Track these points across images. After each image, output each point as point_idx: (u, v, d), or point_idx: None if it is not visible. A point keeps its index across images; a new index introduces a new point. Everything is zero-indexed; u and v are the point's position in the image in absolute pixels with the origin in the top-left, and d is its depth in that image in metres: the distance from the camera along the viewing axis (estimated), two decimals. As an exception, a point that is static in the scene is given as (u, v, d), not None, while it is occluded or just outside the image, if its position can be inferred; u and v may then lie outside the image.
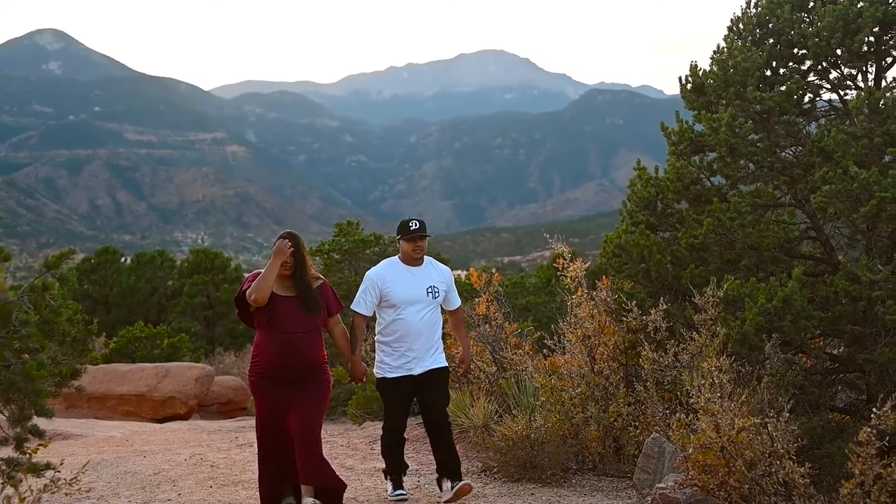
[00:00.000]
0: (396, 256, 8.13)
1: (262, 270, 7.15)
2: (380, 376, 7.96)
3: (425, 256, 8.11)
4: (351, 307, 7.99)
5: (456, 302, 8.32)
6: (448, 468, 7.86)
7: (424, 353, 7.85)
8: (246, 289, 7.13)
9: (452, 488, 7.73)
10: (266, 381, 7.15)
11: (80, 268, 36.32)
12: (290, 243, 7.19)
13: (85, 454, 10.36)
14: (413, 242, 7.91)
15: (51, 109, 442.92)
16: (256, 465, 7.42)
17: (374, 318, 8.22)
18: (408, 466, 8.38)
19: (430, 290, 7.94)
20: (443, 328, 8.31)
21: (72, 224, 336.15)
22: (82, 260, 38.54)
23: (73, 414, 18.53)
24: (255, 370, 7.27)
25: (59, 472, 6.75)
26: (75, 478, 6.88)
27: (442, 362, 8.00)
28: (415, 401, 8.19)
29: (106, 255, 37.77)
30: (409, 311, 7.83)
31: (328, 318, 7.48)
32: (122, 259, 39.16)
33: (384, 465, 8.24)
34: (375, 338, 8.09)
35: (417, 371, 7.82)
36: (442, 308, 8.27)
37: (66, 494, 7.30)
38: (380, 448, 8.34)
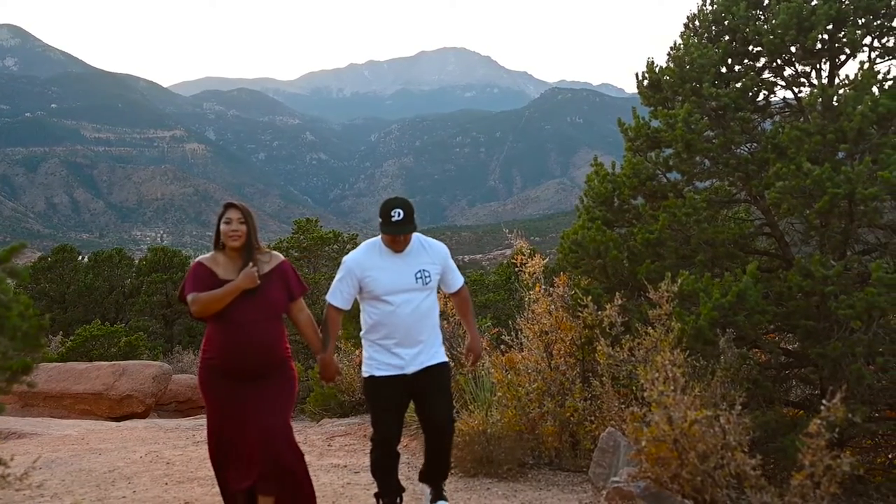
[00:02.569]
0: (379, 237, 6.80)
1: (207, 263, 6.41)
2: (367, 375, 6.72)
3: (414, 235, 6.78)
4: (326, 297, 6.85)
5: (456, 282, 7.07)
6: (435, 476, 6.98)
7: (418, 349, 6.64)
8: (186, 290, 6.33)
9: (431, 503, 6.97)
10: (219, 377, 6.28)
11: (37, 266, 36.12)
12: (256, 272, 6.30)
13: (39, 452, 10.28)
14: (392, 237, 6.60)
15: (7, 107, 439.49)
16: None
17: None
18: (404, 489, 7.00)
19: (419, 275, 6.68)
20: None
21: (28, 222, 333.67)
22: (39, 258, 38.31)
23: (29, 413, 18.40)
24: (205, 365, 6.39)
25: (9, 467, 6.69)
26: (25, 473, 6.81)
27: (440, 357, 6.78)
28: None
29: (63, 254, 37.61)
30: (395, 302, 6.60)
31: (289, 302, 6.57)
32: (80, 257, 38.97)
33: (376, 488, 6.94)
34: (361, 333, 6.88)
35: (410, 369, 6.60)
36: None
37: (18, 490, 7.24)
38: (369, 466, 6.93)
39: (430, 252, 6.83)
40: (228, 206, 6.55)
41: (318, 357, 6.81)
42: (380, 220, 6.60)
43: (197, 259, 6.55)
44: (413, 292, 6.64)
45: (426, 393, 6.66)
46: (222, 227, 6.45)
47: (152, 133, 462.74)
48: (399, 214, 6.50)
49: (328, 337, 6.77)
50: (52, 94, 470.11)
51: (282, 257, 6.67)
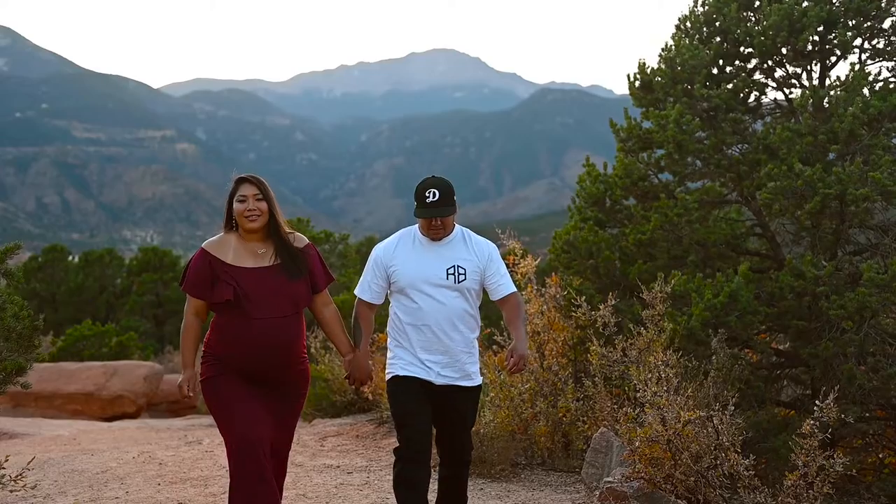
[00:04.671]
0: (416, 226, 5.99)
1: (213, 250, 5.57)
2: (390, 375, 5.90)
3: (459, 227, 5.99)
4: (355, 291, 6.05)
5: (504, 288, 6.00)
6: None
7: (447, 359, 5.79)
8: (184, 282, 5.61)
9: None
10: (229, 372, 5.48)
11: (28, 266, 36.02)
12: (188, 388, 5.62)
13: (31, 453, 10.26)
14: (428, 221, 5.76)
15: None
16: (228, 477, 5.57)
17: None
18: None
19: (452, 271, 5.79)
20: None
21: (19, 222, 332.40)
22: (29, 258, 38.23)
23: (20, 413, 18.35)
24: (211, 359, 5.54)
25: (3, 469, 6.69)
26: (20, 475, 6.81)
27: (473, 378, 5.91)
28: None
29: (54, 254, 37.50)
30: (420, 297, 5.77)
31: (312, 294, 5.78)
32: (70, 257, 38.88)
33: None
34: (387, 330, 6.08)
35: (439, 381, 5.77)
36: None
37: (12, 492, 7.23)
38: (392, 482, 5.88)
39: (471, 248, 5.95)
40: (241, 180, 5.65)
41: (345, 357, 5.99)
42: (415, 203, 5.78)
43: (202, 245, 5.69)
44: (442, 289, 5.78)
45: (450, 422, 5.88)
46: (236, 206, 5.58)
47: (143, 133, 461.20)
48: (434, 195, 5.68)
49: (360, 336, 5.97)
50: (43, 94, 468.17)
51: (306, 240, 5.84)
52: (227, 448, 5.40)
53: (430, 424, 5.81)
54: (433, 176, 5.81)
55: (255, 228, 5.55)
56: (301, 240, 5.79)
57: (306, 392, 5.83)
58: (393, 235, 6.06)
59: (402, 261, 5.83)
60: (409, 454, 5.64)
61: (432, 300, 5.75)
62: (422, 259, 5.82)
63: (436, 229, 5.75)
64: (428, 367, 5.74)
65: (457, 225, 5.97)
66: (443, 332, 5.75)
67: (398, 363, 5.82)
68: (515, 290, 6.06)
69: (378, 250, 5.96)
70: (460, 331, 5.82)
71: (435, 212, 5.65)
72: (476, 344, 5.96)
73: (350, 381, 6.03)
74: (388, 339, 6.00)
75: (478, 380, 5.93)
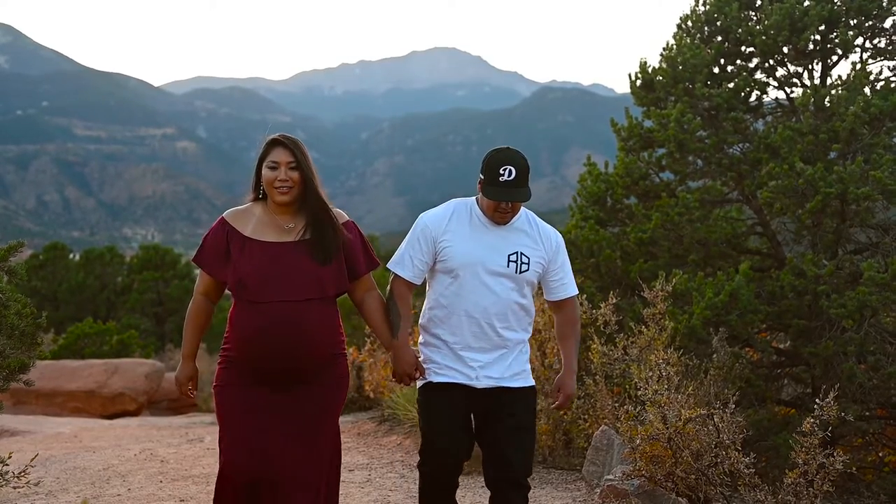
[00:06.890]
0: (474, 198, 5.09)
1: (232, 220, 4.78)
2: (421, 382, 5.00)
3: (523, 209, 5.04)
4: (388, 265, 5.06)
5: (566, 289, 5.15)
6: None
7: (494, 356, 4.88)
8: (198, 254, 4.81)
9: None
10: (239, 379, 4.61)
11: (28, 264, 35.99)
12: (188, 386, 4.91)
13: (33, 450, 10.27)
14: (496, 203, 4.83)
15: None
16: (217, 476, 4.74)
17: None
18: None
19: (514, 258, 4.86)
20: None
21: (19, 220, 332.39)
22: (30, 256, 38.23)
23: (21, 411, 18.35)
24: (224, 362, 4.67)
25: (7, 465, 6.70)
26: (23, 471, 6.82)
27: (525, 379, 4.97)
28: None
29: (54, 252, 37.48)
30: (471, 283, 4.84)
31: (350, 279, 4.82)
32: (71, 255, 38.87)
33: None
34: (420, 322, 5.14)
35: (482, 383, 4.85)
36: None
37: (15, 488, 7.24)
38: (418, 495, 5.17)
39: (537, 235, 5.03)
40: (274, 143, 4.74)
41: (388, 348, 5.04)
42: (481, 176, 4.87)
43: (225, 213, 4.89)
44: (500, 278, 4.87)
45: (499, 428, 4.86)
46: (266, 172, 4.72)
47: (143, 131, 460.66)
48: (511, 173, 4.73)
49: (398, 318, 4.95)
50: (44, 92, 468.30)
51: (346, 217, 4.96)
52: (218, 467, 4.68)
53: (463, 444, 4.93)
54: (508, 147, 4.91)
55: (285, 202, 4.73)
56: (340, 216, 4.92)
57: (342, 390, 4.89)
58: (444, 205, 5.14)
59: (457, 236, 4.91)
60: (436, 478, 5.01)
61: (485, 288, 4.85)
62: (481, 239, 4.91)
63: (503, 213, 4.86)
64: (469, 366, 4.85)
65: (521, 206, 5.01)
66: (491, 328, 4.87)
67: (430, 368, 4.95)
68: (577, 292, 5.27)
69: (427, 219, 5.03)
70: (512, 328, 4.94)
71: (510, 194, 4.76)
72: (527, 345, 5.08)
73: (395, 376, 5.07)
74: (421, 335, 5.10)
75: (529, 380, 5.00)
